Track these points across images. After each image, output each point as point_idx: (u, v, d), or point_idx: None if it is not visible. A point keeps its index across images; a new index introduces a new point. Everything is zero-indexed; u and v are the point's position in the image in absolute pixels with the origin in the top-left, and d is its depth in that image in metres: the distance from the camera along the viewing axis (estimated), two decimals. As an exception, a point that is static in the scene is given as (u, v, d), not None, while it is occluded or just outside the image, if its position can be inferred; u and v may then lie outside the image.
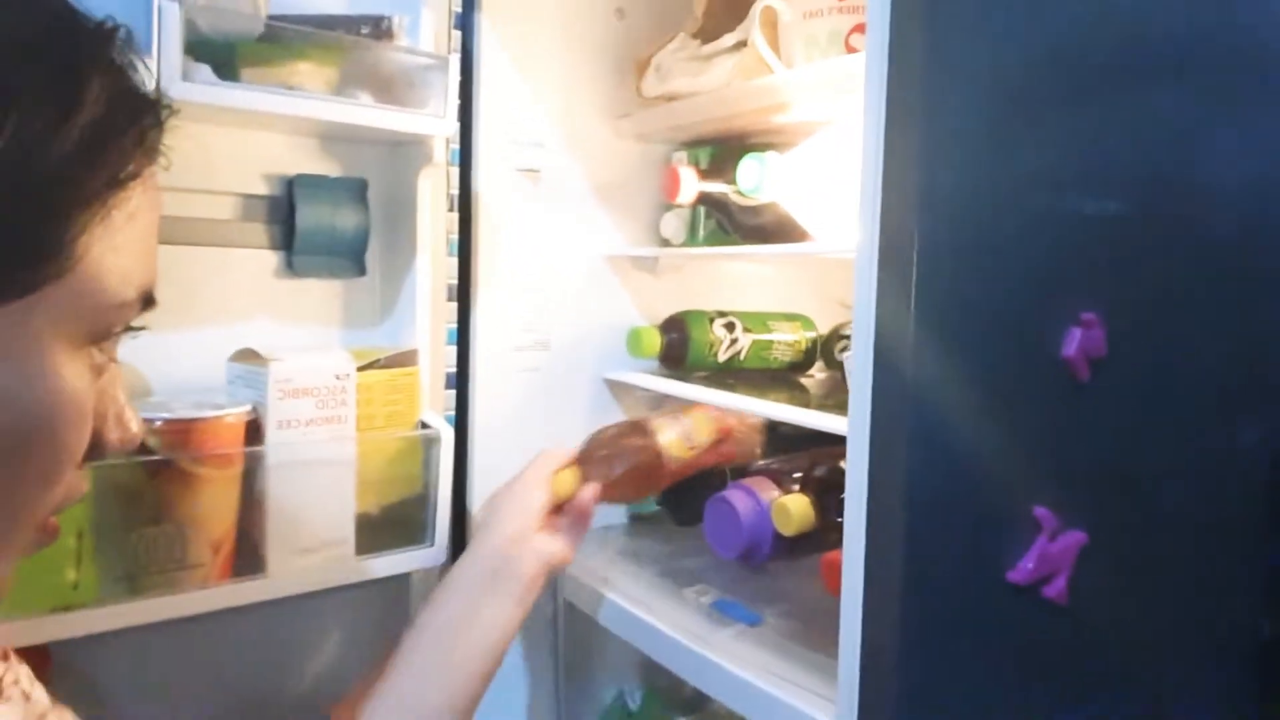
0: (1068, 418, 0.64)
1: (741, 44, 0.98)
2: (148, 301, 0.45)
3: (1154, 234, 0.67)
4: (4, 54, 0.36)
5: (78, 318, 0.40)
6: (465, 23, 1.03)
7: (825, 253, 0.92)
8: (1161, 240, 0.68)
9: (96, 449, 0.44)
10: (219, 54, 0.76)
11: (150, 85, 0.43)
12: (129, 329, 0.45)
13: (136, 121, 0.41)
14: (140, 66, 0.43)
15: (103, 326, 0.42)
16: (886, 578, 0.59)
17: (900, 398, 0.58)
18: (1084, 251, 0.64)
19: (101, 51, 0.40)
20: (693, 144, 1.16)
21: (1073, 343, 0.62)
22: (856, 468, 0.61)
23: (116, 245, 0.40)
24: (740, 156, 0.99)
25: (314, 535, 0.86)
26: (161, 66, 0.70)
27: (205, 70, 0.74)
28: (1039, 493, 0.62)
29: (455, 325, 1.07)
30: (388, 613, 1.01)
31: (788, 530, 0.93)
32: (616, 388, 1.17)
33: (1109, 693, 0.68)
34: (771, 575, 1.02)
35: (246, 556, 0.83)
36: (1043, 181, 0.62)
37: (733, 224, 1.08)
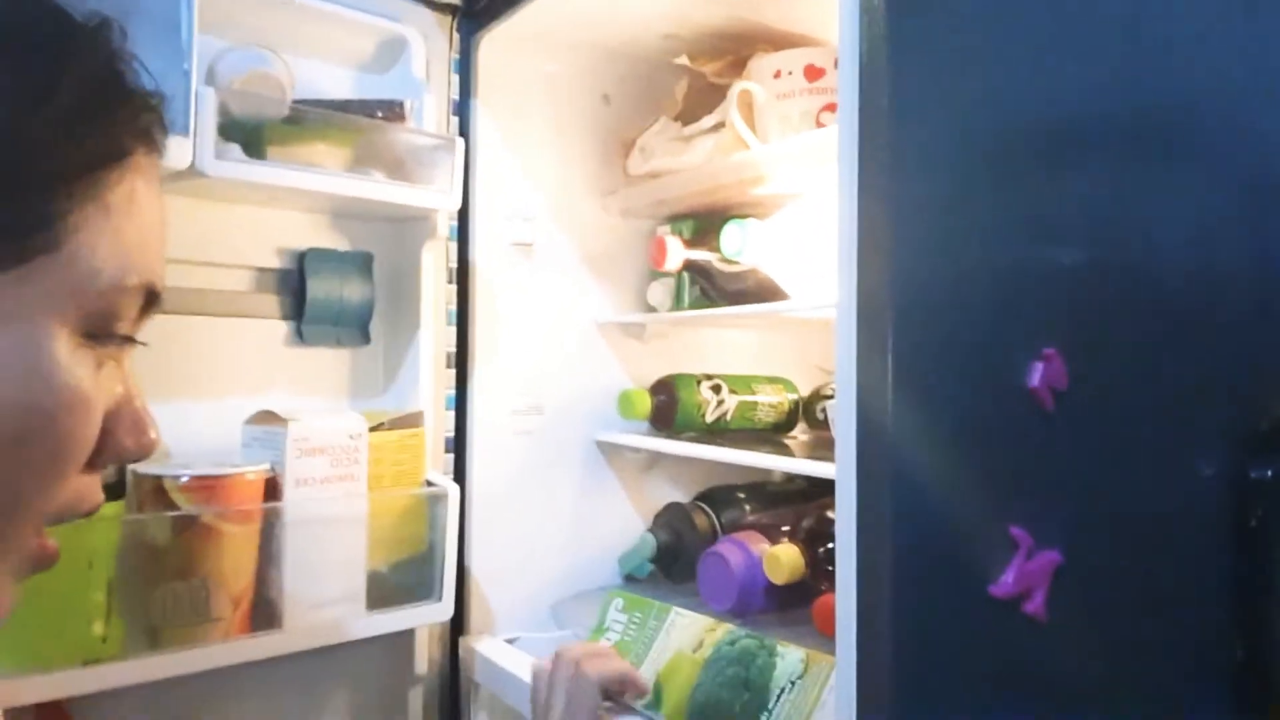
0: (1036, 444, 0.70)
1: (720, 125, 1.06)
2: (151, 298, 0.44)
3: (1107, 279, 0.75)
4: None
5: (73, 298, 0.39)
6: (462, 108, 1.11)
7: (803, 310, 0.98)
8: (1114, 284, 0.75)
9: (110, 454, 0.43)
10: (248, 135, 0.82)
11: (147, 81, 0.45)
12: (132, 340, 0.44)
13: (124, 104, 0.42)
14: (136, 60, 0.44)
15: (100, 312, 0.41)
16: (878, 605, 0.63)
17: (882, 434, 0.63)
18: (1043, 295, 0.71)
19: (87, 38, 0.42)
20: (675, 218, 1.23)
21: (1036, 375, 0.68)
22: (845, 502, 0.66)
23: (115, 228, 0.41)
24: (721, 227, 1.07)
25: (328, 591, 0.89)
26: (197, 145, 0.76)
27: (235, 149, 0.80)
28: (1015, 513, 0.68)
29: (454, 391, 1.11)
30: (394, 667, 1.03)
31: (779, 578, 0.98)
32: (608, 448, 1.22)
33: (1089, 710, 0.73)
34: (764, 627, 1.05)
35: (264, 611, 0.85)
36: (1002, 236, 0.69)
37: (716, 290, 1.15)
